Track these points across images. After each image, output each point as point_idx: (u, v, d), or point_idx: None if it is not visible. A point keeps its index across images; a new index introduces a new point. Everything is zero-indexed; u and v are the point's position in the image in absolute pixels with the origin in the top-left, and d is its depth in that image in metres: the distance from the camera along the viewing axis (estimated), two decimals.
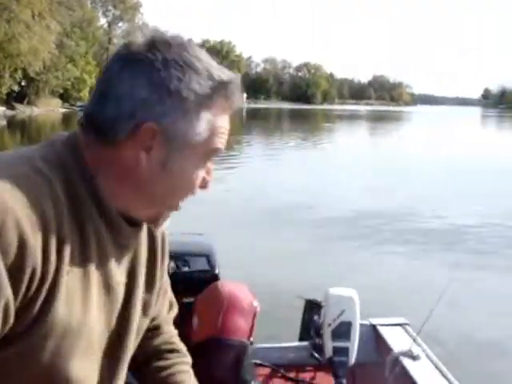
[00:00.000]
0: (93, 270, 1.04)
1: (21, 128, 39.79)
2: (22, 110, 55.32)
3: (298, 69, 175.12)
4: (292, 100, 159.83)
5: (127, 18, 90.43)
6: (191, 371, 1.43)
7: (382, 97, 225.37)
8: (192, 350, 1.46)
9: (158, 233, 1.29)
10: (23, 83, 56.52)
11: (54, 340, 0.97)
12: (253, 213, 10.84)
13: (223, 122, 1.12)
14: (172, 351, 1.42)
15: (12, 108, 54.01)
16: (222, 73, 1.10)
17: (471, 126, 64.57)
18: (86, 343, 1.03)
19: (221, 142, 1.12)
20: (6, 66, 49.34)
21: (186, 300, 2.52)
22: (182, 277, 2.66)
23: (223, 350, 2.20)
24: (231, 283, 2.46)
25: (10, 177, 0.94)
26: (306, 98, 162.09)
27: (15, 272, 0.90)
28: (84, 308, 1.01)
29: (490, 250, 9.00)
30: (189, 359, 1.45)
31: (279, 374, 2.70)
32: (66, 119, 47.22)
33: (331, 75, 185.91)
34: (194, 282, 2.66)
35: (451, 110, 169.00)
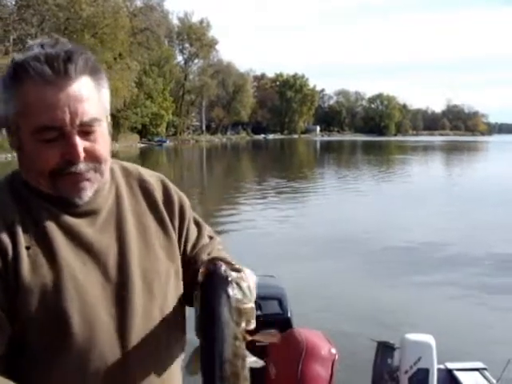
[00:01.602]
0: (57, 240, 1.27)
1: None
2: None
3: (371, 100, 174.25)
4: (365, 132, 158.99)
5: (202, 55, 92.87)
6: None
7: (457, 127, 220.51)
8: None
9: (154, 182, 1.47)
10: None
11: (37, 298, 1.20)
12: (325, 248, 10.74)
13: (36, 96, 1.23)
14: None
15: None
16: (22, 54, 1.26)
17: None
18: (75, 294, 1.23)
19: (40, 117, 1.23)
20: None
21: (258, 344, 2.50)
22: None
23: None
24: (307, 330, 2.43)
25: None
26: (380, 130, 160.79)
27: None
28: (55, 268, 1.23)
29: None
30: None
31: None
32: (143, 154, 48.58)
33: (404, 106, 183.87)
34: (267, 325, 2.63)
35: None
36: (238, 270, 1.20)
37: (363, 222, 13.53)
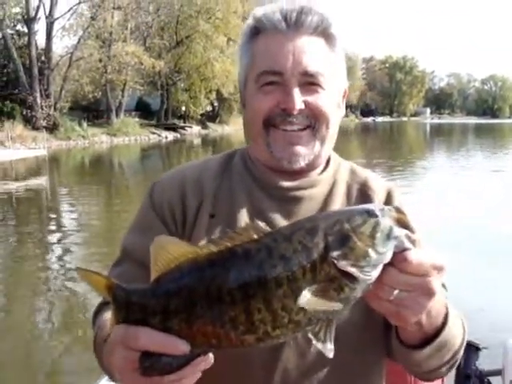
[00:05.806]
0: (241, 217, 1.22)
1: (212, 145, 42.04)
2: (214, 129, 58.71)
3: (484, 82, 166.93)
4: (477, 114, 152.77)
5: None
6: None
7: None
8: None
9: (378, 189, 1.32)
10: (215, 104, 60.04)
11: None
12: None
13: (265, 46, 1.22)
14: None
15: (205, 127, 57.59)
16: (263, 9, 1.23)
17: None
18: None
19: (263, 63, 1.21)
20: (202, 88, 52.89)
21: None
22: None
23: None
24: None
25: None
26: (493, 112, 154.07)
27: (162, 214, 1.25)
28: None
29: None
30: None
31: None
32: None
33: None
34: None
35: None
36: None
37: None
